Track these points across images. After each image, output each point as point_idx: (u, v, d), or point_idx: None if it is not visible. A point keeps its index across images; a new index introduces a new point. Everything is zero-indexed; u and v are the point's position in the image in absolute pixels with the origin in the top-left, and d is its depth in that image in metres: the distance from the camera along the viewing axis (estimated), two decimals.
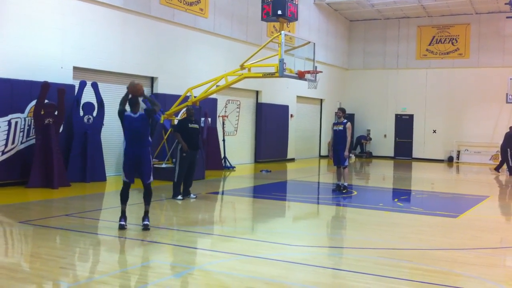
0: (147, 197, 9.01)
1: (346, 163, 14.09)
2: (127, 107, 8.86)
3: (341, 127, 13.98)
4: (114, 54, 16.05)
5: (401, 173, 22.54)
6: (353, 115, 29.76)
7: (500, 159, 21.92)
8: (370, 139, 30.26)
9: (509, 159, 21.06)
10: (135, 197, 12.68)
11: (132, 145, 8.73)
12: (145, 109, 8.86)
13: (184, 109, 14.34)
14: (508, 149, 21.07)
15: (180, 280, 6.24)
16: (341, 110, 14.28)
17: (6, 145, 12.99)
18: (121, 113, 8.72)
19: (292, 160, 25.66)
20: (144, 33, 17.11)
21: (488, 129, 27.17)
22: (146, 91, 17.54)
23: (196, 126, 12.44)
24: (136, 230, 8.69)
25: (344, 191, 14.08)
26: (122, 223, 8.72)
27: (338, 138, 14.03)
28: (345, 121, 14.07)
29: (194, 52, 19.22)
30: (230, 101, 21.30)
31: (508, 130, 21.57)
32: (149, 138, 8.90)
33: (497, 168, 21.39)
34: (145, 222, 8.80)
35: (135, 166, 8.81)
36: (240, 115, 22.11)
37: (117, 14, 16.11)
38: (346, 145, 13.89)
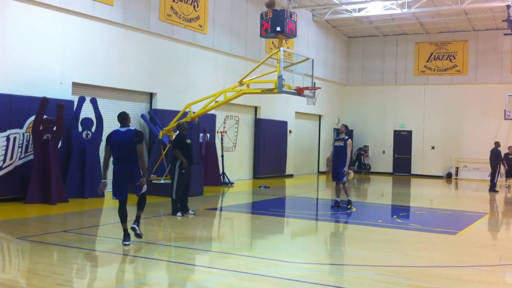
0: (140, 204, 8.97)
1: (344, 179, 14.11)
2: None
3: (341, 143, 14.05)
4: (113, 70, 16.10)
5: (399, 189, 22.51)
6: (351, 131, 29.78)
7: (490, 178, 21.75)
8: (367, 149, 30.26)
9: (496, 175, 21.04)
10: (133, 213, 12.64)
11: (120, 162, 8.62)
12: (136, 130, 8.73)
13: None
14: (498, 166, 21.07)
15: None
16: (345, 126, 14.38)
17: (4, 160, 12.97)
18: (107, 136, 8.74)
19: (291, 176, 25.63)
20: (144, 49, 17.18)
21: (486, 146, 26.96)
22: (145, 106, 17.59)
23: (189, 141, 12.49)
24: (134, 246, 8.64)
25: (348, 206, 14.14)
26: (127, 242, 8.60)
27: (338, 154, 14.08)
28: (346, 137, 14.16)
29: (193, 68, 19.28)
30: (229, 117, 21.31)
31: (494, 146, 21.58)
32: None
33: (492, 189, 21.22)
34: (133, 225, 8.78)
35: (127, 182, 8.72)
36: (239, 131, 22.10)
37: (117, 30, 16.18)
38: (346, 161, 13.94)
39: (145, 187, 8.78)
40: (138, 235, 8.81)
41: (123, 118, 8.78)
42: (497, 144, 21.55)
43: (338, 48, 30.36)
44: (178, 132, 12.59)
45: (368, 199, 18.17)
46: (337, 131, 29.37)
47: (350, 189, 15.41)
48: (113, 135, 8.67)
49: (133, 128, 8.74)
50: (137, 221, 8.90)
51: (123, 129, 8.68)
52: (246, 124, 22.93)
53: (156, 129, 16.55)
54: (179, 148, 12.08)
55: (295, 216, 13.50)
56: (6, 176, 13.03)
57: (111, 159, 8.73)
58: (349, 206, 14.15)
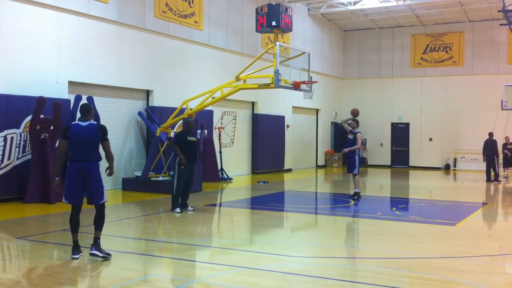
0: (98, 222, 7.73)
1: (355, 171, 14.60)
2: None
3: (352, 137, 14.60)
4: (109, 68, 16.06)
5: (398, 181, 22.54)
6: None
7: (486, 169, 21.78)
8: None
9: (496, 165, 21.09)
10: (132, 210, 12.64)
11: (76, 159, 7.57)
12: (99, 125, 7.74)
13: (181, 121, 14.33)
14: (495, 156, 21.13)
15: None
16: (355, 121, 14.84)
17: (2, 161, 12.95)
18: (65, 128, 7.80)
19: (289, 170, 25.64)
20: (139, 47, 17.14)
21: (484, 136, 26.91)
22: (142, 104, 17.56)
23: (194, 138, 12.45)
24: (134, 243, 8.64)
25: (355, 197, 14.57)
26: (76, 256, 7.52)
27: (349, 147, 14.63)
28: (356, 131, 14.62)
29: (190, 64, 19.25)
30: (226, 113, 21.30)
31: (488, 137, 21.63)
32: (98, 152, 7.69)
33: (491, 179, 21.26)
34: (92, 251, 7.54)
35: (82, 184, 7.61)
36: (236, 127, 22.10)
37: (112, 28, 16.14)
38: (358, 153, 14.57)
39: (105, 197, 7.74)
40: (105, 257, 7.53)
41: (85, 110, 7.73)
42: (491, 134, 21.62)
43: (334, 41, 30.34)
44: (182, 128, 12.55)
45: (367, 192, 18.17)
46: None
47: (348, 183, 15.42)
48: (71, 128, 7.64)
49: (95, 123, 7.72)
50: (95, 244, 7.61)
51: (84, 123, 7.61)
52: (243, 119, 22.92)
53: (154, 126, 16.53)
54: (179, 144, 12.05)
55: (295, 210, 13.51)
56: (4, 176, 13.01)
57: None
58: (355, 197, 14.56)
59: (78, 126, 7.63)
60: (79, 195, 7.68)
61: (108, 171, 7.74)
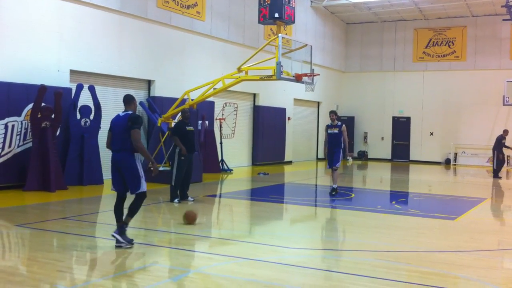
0: (130, 208, 7.82)
1: (338, 165, 14.00)
2: None
3: (336, 130, 14.02)
4: (111, 57, 16.04)
5: (398, 175, 22.54)
6: (353, 118, 30.02)
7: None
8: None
9: (494, 161, 21.05)
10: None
11: (112, 149, 7.79)
12: (131, 114, 7.70)
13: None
14: (495, 151, 21.05)
15: (177, 283, 6.23)
16: (334, 113, 14.28)
17: (3, 148, 12.96)
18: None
19: (290, 162, 25.65)
20: (141, 36, 17.11)
21: (485, 132, 27.23)
22: (143, 94, 17.54)
23: (192, 128, 12.44)
24: (133, 233, 8.65)
25: (333, 193, 13.99)
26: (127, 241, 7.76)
27: (334, 141, 14.03)
28: (339, 123, 14.15)
29: (191, 55, 19.22)
30: (228, 104, 21.29)
31: (502, 133, 21.56)
32: (131, 142, 7.59)
33: (494, 175, 21.25)
34: (113, 234, 7.70)
35: (118, 173, 7.75)
36: (238, 118, 22.09)
37: (114, 17, 16.11)
38: (342, 147, 13.92)
39: (143, 187, 7.70)
40: (120, 245, 7.60)
41: (125, 100, 7.91)
42: (505, 132, 21.39)
43: (336, 34, 30.26)
44: (179, 118, 12.55)
45: (367, 185, 18.19)
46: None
47: (350, 176, 15.37)
48: (113, 119, 7.94)
49: (130, 112, 7.76)
50: (119, 228, 7.75)
51: (122, 114, 7.79)
52: (244, 111, 22.91)
53: (155, 116, 16.52)
54: (178, 135, 12.06)
55: (294, 202, 13.53)
56: (5, 164, 13.03)
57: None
58: (333, 193, 14.00)
59: (117, 117, 7.85)
60: (118, 184, 7.82)
61: (151, 167, 7.80)
